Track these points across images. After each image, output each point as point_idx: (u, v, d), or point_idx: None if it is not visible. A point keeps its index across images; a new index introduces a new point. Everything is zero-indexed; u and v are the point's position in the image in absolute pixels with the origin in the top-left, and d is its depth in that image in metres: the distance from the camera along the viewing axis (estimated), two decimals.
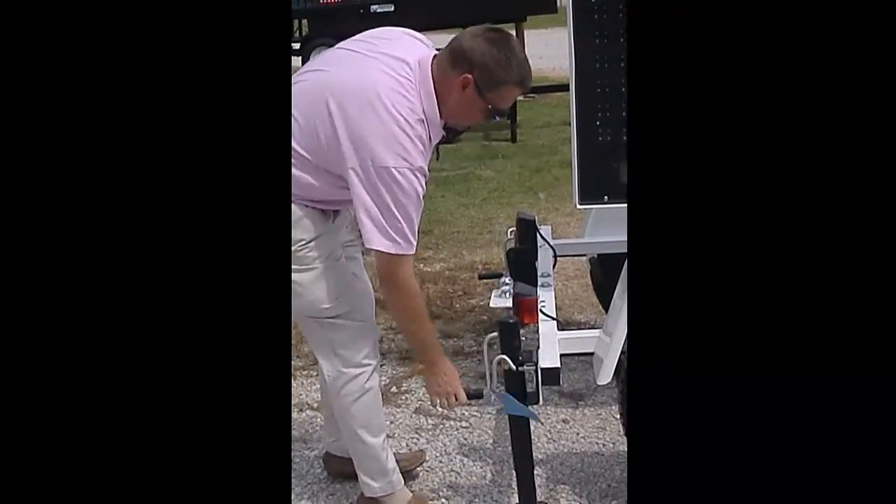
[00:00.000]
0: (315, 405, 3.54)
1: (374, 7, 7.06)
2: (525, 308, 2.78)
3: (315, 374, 3.79)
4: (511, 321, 2.62)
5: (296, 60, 13.91)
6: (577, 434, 3.26)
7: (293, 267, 2.45)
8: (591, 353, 2.85)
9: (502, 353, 2.58)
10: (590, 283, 4.13)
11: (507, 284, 3.34)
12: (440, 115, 2.49)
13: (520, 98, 8.74)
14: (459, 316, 4.40)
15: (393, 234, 2.41)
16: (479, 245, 5.48)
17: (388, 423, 3.37)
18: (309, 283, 2.54)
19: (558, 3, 8.63)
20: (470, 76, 2.43)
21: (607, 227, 3.74)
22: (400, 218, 2.40)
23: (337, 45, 2.67)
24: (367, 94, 2.40)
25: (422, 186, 2.43)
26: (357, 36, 2.65)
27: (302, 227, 2.48)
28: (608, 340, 2.68)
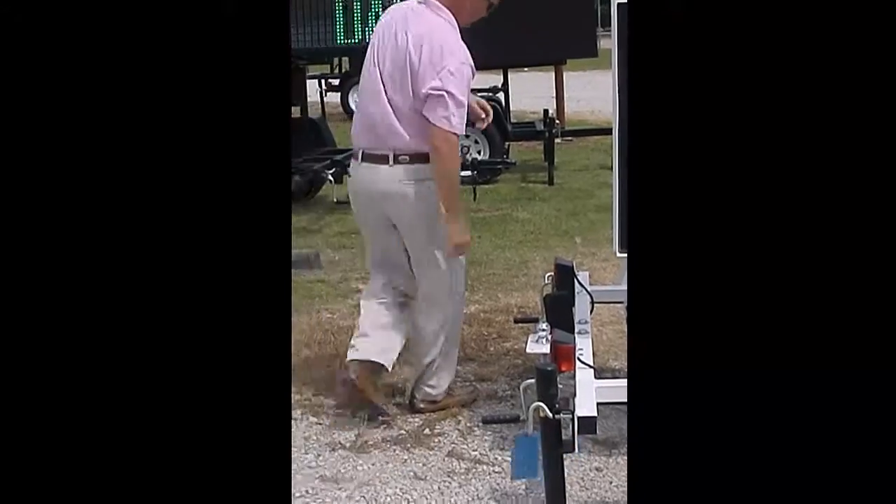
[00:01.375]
0: (348, 444, 3.54)
1: None
2: (562, 355, 2.77)
3: (350, 412, 3.79)
4: (548, 368, 2.61)
5: (334, 96, 14.19)
6: (611, 483, 3.23)
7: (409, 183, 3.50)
8: (626, 403, 2.83)
9: (539, 400, 2.57)
10: (625, 329, 4.09)
11: (543, 330, 3.34)
12: (463, 20, 3.53)
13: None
14: (494, 359, 4.38)
15: (451, 114, 3.38)
16: (514, 288, 5.47)
17: (420, 465, 3.37)
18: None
19: (599, 47, 8.62)
20: None
21: None
22: (456, 102, 3.38)
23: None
24: (413, 37, 3.46)
25: (468, 77, 3.46)
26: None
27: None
28: None
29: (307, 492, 3.20)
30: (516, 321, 4.44)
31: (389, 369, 3.78)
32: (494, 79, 10.45)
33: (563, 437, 2.58)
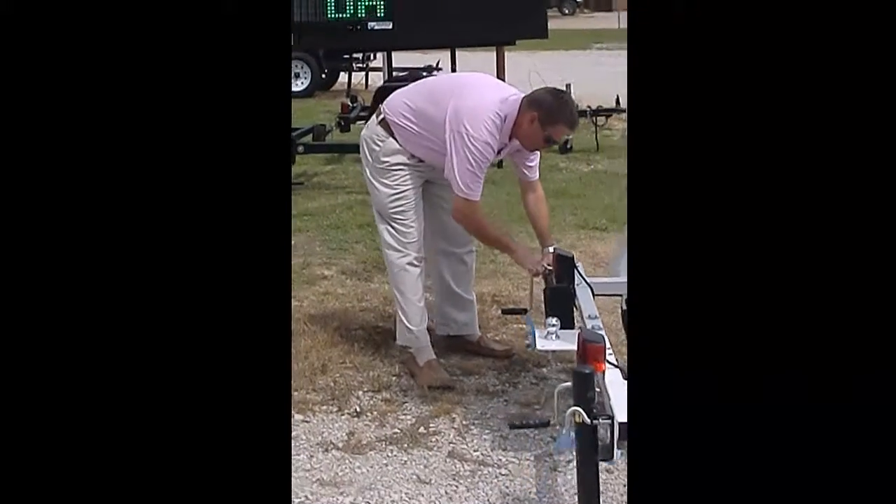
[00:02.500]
0: (341, 444, 3.36)
1: (371, 24, 6.87)
2: (593, 355, 2.63)
3: (336, 408, 3.62)
4: (586, 371, 2.47)
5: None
6: (624, 485, 3.10)
7: (381, 179, 3.84)
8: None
9: (575, 405, 2.42)
10: (619, 322, 3.97)
11: (553, 325, 3.20)
12: (516, 136, 3.68)
13: None
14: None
15: (466, 182, 3.60)
16: (483, 276, 5.31)
17: (421, 467, 3.21)
18: (383, 186, 3.82)
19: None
20: (536, 114, 3.61)
21: None
22: (469, 170, 3.58)
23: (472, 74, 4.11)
24: (480, 93, 3.72)
25: (485, 155, 3.59)
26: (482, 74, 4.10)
27: (396, 155, 3.80)
28: None
29: (306, 497, 3.02)
30: (504, 312, 4.30)
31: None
32: (433, 59, 10.27)
33: (601, 444, 2.44)
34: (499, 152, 3.78)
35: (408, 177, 3.84)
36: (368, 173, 3.91)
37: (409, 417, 3.57)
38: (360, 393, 3.78)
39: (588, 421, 2.40)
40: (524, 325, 4.53)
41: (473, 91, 3.72)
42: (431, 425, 3.50)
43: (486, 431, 3.44)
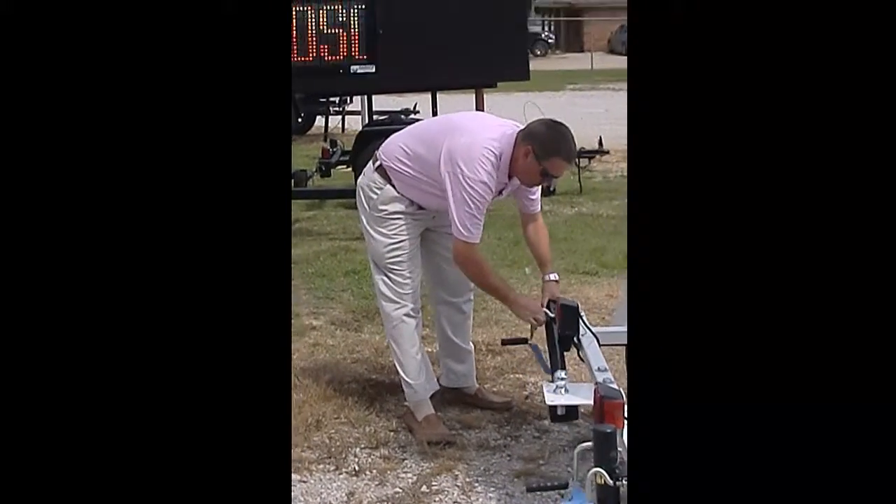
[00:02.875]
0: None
1: (353, 67, 6.80)
2: (612, 412, 2.50)
3: (333, 467, 3.48)
4: (607, 430, 2.35)
5: None
6: None
7: (378, 228, 3.71)
8: None
9: (597, 465, 2.30)
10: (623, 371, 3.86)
11: (562, 380, 3.09)
12: (513, 173, 3.54)
13: None
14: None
15: (465, 223, 3.46)
16: (477, 324, 5.16)
17: None
18: (381, 236, 3.69)
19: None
20: (530, 148, 3.45)
21: None
22: (467, 212, 3.44)
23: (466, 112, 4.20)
24: (474, 133, 3.54)
25: (483, 196, 3.45)
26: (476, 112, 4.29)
27: (394, 203, 3.68)
28: None
29: None
30: (504, 343, 4.14)
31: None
32: (410, 102, 10.22)
33: None
34: (500, 192, 3.67)
35: (405, 226, 3.72)
36: (365, 222, 3.79)
37: (409, 475, 3.43)
38: (358, 450, 3.63)
39: (611, 482, 2.28)
40: (520, 376, 4.43)
41: (467, 130, 3.57)
42: (434, 483, 3.36)
43: (492, 489, 3.30)
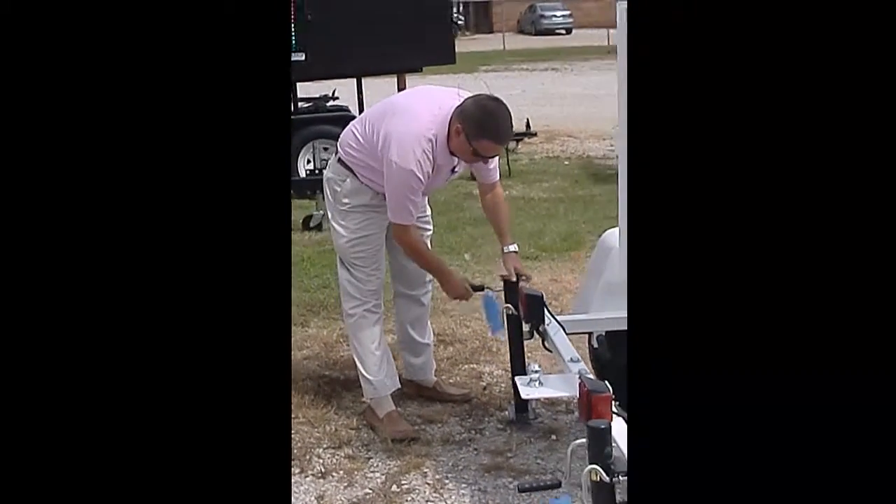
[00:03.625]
0: None
1: None
2: (600, 406, 2.46)
3: (298, 469, 3.39)
4: (601, 426, 2.31)
5: None
6: None
7: (341, 222, 3.65)
8: None
9: (592, 462, 2.26)
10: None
11: (536, 372, 3.04)
12: (452, 150, 3.43)
13: None
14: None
15: (396, 209, 3.46)
16: None
17: None
18: (344, 230, 3.64)
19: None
20: (460, 127, 3.34)
21: (616, 302, 3.47)
22: (397, 198, 3.43)
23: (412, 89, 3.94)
24: (406, 115, 3.46)
25: (413, 184, 3.40)
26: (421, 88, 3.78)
27: (357, 196, 3.61)
28: None
29: None
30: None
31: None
32: (328, 89, 10.13)
33: (619, 501, 2.29)
34: (453, 170, 3.63)
35: (368, 220, 3.64)
36: (330, 215, 3.71)
37: (377, 475, 3.36)
38: (321, 450, 3.55)
39: (607, 479, 2.25)
40: (475, 366, 4.37)
41: (405, 114, 3.48)
42: (404, 482, 3.30)
43: (463, 485, 3.25)
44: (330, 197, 3.68)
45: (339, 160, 3.65)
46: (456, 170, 3.65)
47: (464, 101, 3.42)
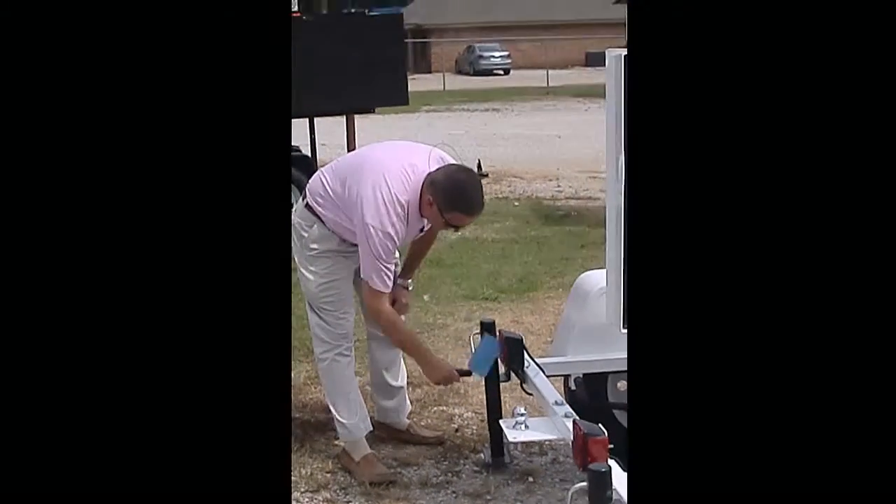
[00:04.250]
0: None
1: None
2: (597, 450, 2.49)
3: None
4: (602, 469, 2.33)
5: None
6: None
7: (309, 267, 3.62)
8: None
9: None
10: None
11: (522, 415, 3.06)
12: (424, 216, 3.51)
13: None
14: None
15: (371, 274, 3.45)
16: None
17: None
18: (313, 275, 3.62)
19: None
20: (432, 199, 3.40)
21: (593, 345, 3.51)
22: (374, 262, 3.41)
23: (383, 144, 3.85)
24: (380, 177, 3.42)
25: (388, 247, 3.41)
26: (397, 142, 3.86)
27: (324, 241, 3.61)
28: None
29: None
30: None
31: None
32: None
33: None
34: (422, 230, 3.66)
35: (336, 266, 3.65)
36: (298, 260, 3.68)
37: None
38: (298, 494, 3.52)
39: None
40: (444, 408, 4.37)
41: (377, 175, 3.46)
42: None
43: None
44: (297, 242, 3.67)
45: (307, 205, 3.65)
46: (424, 229, 3.69)
47: (436, 171, 3.45)
